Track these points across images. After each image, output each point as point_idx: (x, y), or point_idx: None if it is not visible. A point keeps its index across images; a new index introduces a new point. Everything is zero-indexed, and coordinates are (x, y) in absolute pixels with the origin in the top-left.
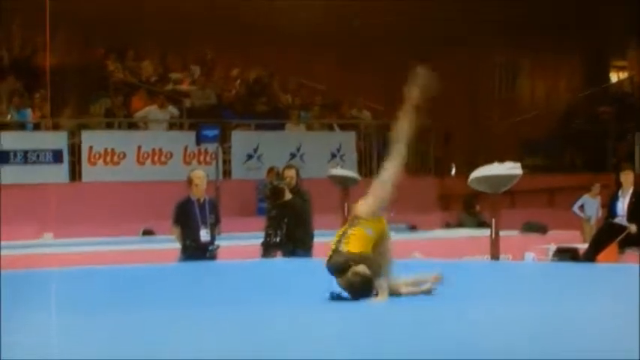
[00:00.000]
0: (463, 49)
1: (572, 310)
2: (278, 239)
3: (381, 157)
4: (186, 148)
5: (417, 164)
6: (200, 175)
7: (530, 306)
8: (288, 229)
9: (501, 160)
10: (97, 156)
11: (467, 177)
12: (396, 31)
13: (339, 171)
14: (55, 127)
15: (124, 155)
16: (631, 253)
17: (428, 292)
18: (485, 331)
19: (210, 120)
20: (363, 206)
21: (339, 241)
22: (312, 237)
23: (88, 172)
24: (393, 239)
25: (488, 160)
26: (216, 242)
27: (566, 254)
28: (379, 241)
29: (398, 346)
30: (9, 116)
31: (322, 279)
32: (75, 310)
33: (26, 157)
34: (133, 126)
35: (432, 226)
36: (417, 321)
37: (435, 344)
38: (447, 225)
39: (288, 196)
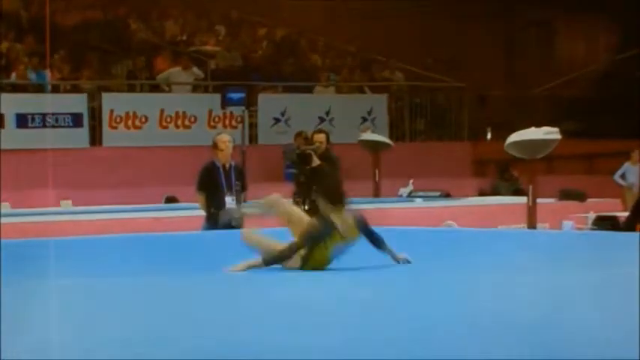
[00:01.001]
0: (498, 5)
1: (614, 278)
2: (306, 206)
3: (414, 120)
4: (210, 112)
5: (450, 128)
6: (225, 139)
7: (569, 275)
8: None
9: (538, 124)
10: (118, 119)
11: (502, 142)
12: None
13: (370, 135)
14: (75, 89)
15: (146, 119)
16: None
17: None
18: (522, 303)
19: (235, 82)
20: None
21: None
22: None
23: (109, 137)
24: (426, 206)
25: (525, 125)
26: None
27: (606, 223)
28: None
29: (440, 314)
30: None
31: (352, 247)
32: (95, 278)
33: (45, 121)
34: (155, 88)
35: (465, 194)
36: (454, 291)
37: (473, 316)
38: (482, 192)
39: (316, 161)
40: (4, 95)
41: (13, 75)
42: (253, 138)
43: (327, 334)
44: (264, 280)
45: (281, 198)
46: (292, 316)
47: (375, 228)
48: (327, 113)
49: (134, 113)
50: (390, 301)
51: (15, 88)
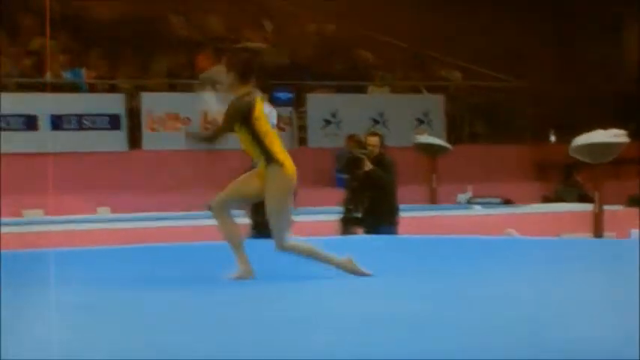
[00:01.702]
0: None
1: None
2: (359, 214)
3: (473, 122)
4: None
5: (511, 130)
6: None
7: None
8: (370, 202)
9: (604, 126)
10: (158, 121)
11: (567, 144)
12: None
13: (426, 138)
14: (112, 88)
15: (189, 120)
16: None
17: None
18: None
19: (283, 81)
20: None
21: None
22: (396, 211)
23: (149, 139)
24: (485, 214)
25: (590, 126)
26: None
27: None
28: None
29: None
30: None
31: (408, 257)
32: (131, 289)
33: (80, 123)
34: (198, 87)
35: (527, 200)
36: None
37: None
38: (545, 198)
39: (368, 166)
40: (38, 95)
41: (47, 74)
42: (302, 141)
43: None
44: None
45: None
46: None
47: (431, 236)
48: (381, 115)
49: (175, 114)
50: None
51: (50, 88)
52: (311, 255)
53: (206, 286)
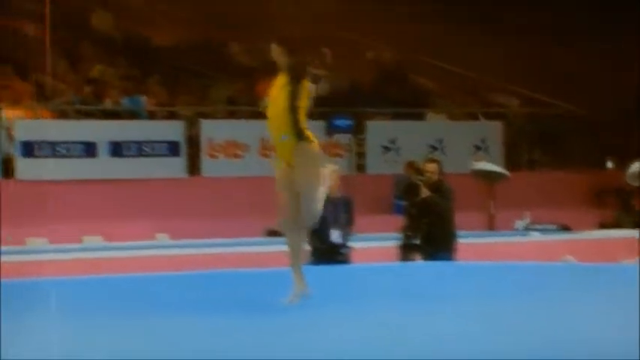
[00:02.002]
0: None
1: None
2: (417, 241)
3: (530, 148)
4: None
5: (569, 157)
6: (332, 169)
7: None
8: (428, 229)
9: None
10: (218, 148)
11: (623, 170)
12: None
13: (484, 165)
14: (172, 115)
15: (248, 147)
16: None
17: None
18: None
19: (342, 108)
20: None
21: None
22: (454, 238)
23: (208, 166)
24: (543, 240)
25: None
26: (349, 244)
27: None
28: None
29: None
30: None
31: (466, 284)
32: (189, 316)
33: (140, 150)
34: (257, 115)
35: (585, 227)
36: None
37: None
38: (602, 225)
39: (426, 192)
40: (97, 122)
41: (107, 101)
42: (361, 167)
43: None
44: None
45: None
46: None
47: (489, 263)
48: (439, 141)
49: (234, 141)
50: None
51: (110, 115)
52: (292, 256)
53: (264, 312)
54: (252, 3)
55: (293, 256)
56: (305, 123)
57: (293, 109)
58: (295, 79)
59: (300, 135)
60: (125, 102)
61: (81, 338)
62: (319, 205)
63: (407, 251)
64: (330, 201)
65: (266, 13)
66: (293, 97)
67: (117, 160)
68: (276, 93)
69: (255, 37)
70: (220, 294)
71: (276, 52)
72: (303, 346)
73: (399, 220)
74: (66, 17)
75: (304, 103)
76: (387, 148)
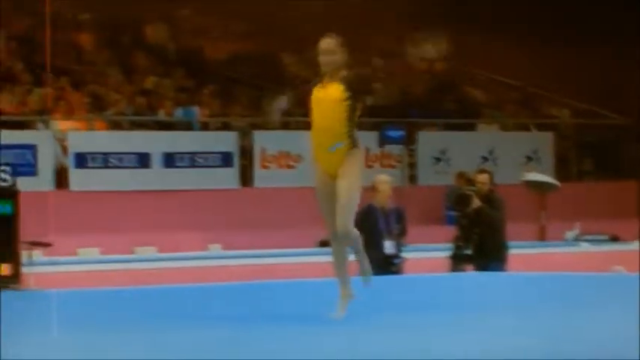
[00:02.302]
0: None
1: None
2: (468, 251)
3: (581, 159)
4: (367, 151)
5: (619, 167)
6: (384, 180)
7: None
8: (480, 239)
9: None
10: (271, 159)
11: None
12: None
13: (535, 176)
14: (225, 126)
15: (301, 158)
16: None
17: None
18: None
19: (394, 119)
20: None
21: None
22: (506, 248)
23: (261, 177)
24: (593, 251)
25: None
26: (402, 254)
27: None
28: None
29: None
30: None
31: (518, 295)
32: (240, 326)
33: (193, 160)
34: (309, 125)
35: (635, 237)
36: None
37: None
38: None
39: (477, 203)
40: (150, 133)
41: (161, 112)
42: (412, 178)
43: None
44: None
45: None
46: None
47: (540, 273)
48: (491, 152)
49: (287, 152)
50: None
51: (163, 126)
52: (336, 267)
53: (314, 322)
54: (304, 14)
55: (337, 267)
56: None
57: (353, 121)
58: (355, 94)
59: (354, 143)
60: (179, 113)
61: (133, 349)
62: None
63: (458, 262)
64: (382, 212)
65: (318, 25)
66: (353, 110)
67: (170, 171)
68: (331, 104)
69: (307, 48)
70: (272, 305)
71: (332, 46)
72: (351, 354)
73: (451, 231)
74: (121, 29)
75: (357, 114)
76: (438, 159)
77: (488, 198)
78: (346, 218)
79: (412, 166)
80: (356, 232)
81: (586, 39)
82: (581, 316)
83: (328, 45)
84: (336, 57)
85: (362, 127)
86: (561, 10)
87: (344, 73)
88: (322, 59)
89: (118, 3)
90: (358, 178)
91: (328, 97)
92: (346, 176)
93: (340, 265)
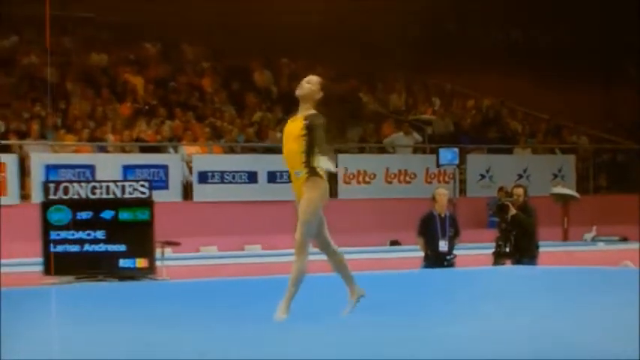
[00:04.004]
0: None
1: None
2: (507, 249)
3: (597, 176)
4: (427, 170)
5: (629, 183)
6: (442, 192)
7: None
8: (516, 240)
9: None
10: (351, 176)
11: None
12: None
13: (560, 189)
14: None
15: (375, 175)
16: None
17: None
18: None
19: (448, 145)
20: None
21: None
22: (537, 247)
23: (343, 190)
24: (607, 249)
25: None
26: (454, 252)
27: None
28: None
29: None
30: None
31: (545, 286)
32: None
33: (290, 178)
34: (382, 150)
35: None
36: None
37: None
38: None
39: (513, 211)
40: (258, 156)
41: (266, 140)
42: (462, 191)
43: None
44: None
45: None
46: None
47: (563, 267)
48: (525, 171)
49: (364, 171)
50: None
51: (267, 150)
52: (295, 278)
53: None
54: (380, 62)
55: (336, 271)
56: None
57: (310, 153)
58: (312, 131)
59: (313, 172)
60: (280, 140)
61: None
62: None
63: (499, 258)
64: (440, 218)
65: (392, 70)
66: (310, 144)
67: (273, 186)
68: (292, 137)
69: (380, 90)
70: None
71: (312, 79)
72: (408, 341)
73: (493, 233)
74: (234, 74)
75: (320, 146)
76: (482, 176)
77: (523, 207)
78: (300, 232)
79: (462, 181)
80: (303, 264)
81: (601, 79)
82: (596, 300)
83: (309, 77)
84: (309, 86)
85: (424, 151)
86: (581, 58)
87: (310, 110)
88: (299, 84)
89: (232, 55)
90: (312, 201)
91: (291, 131)
92: (304, 199)
93: (337, 269)
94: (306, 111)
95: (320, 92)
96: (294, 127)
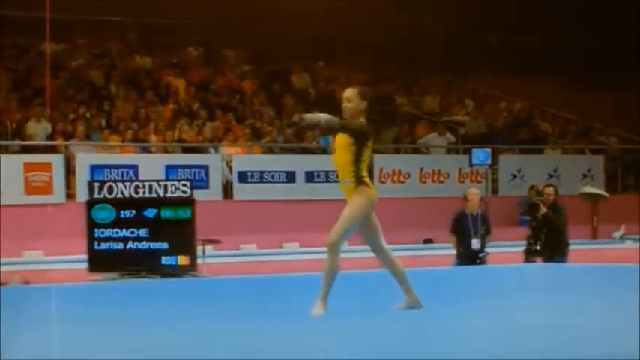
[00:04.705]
0: None
1: None
2: (538, 247)
3: (625, 176)
4: (460, 170)
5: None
6: (474, 192)
7: None
8: (546, 238)
9: None
10: (387, 176)
11: None
12: None
13: (589, 189)
14: None
15: (409, 175)
16: None
17: None
18: None
19: (481, 145)
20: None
21: None
22: (567, 245)
23: (379, 190)
24: (634, 247)
25: None
26: (486, 249)
27: None
28: None
29: None
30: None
31: (577, 280)
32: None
33: (327, 177)
34: (416, 151)
35: None
36: None
37: None
38: None
39: (543, 210)
40: (295, 156)
41: (304, 141)
42: (494, 191)
43: None
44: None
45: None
46: None
47: (593, 265)
48: (555, 171)
49: (399, 171)
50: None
51: (305, 151)
52: (327, 275)
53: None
54: (414, 64)
55: (389, 271)
56: (365, 172)
57: (358, 164)
58: (360, 142)
59: (360, 181)
60: (319, 141)
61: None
62: (347, 232)
63: (530, 255)
64: (472, 216)
65: (425, 72)
66: (358, 155)
67: (310, 185)
68: (340, 149)
69: (414, 92)
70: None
71: (349, 94)
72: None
73: (524, 232)
74: (273, 77)
75: (366, 157)
76: (514, 176)
77: (553, 206)
78: (336, 232)
79: (494, 181)
80: (335, 262)
81: (630, 82)
82: (625, 297)
83: (347, 94)
84: (352, 105)
85: (457, 152)
86: (608, 60)
87: (359, 120)
88: (342, 106)
89: (271, 58)
90: (357, 205)
91: (340, 143)
92: (350, 203)
93: (393, 275)
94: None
95: (363, 102)
96: (341, 139)
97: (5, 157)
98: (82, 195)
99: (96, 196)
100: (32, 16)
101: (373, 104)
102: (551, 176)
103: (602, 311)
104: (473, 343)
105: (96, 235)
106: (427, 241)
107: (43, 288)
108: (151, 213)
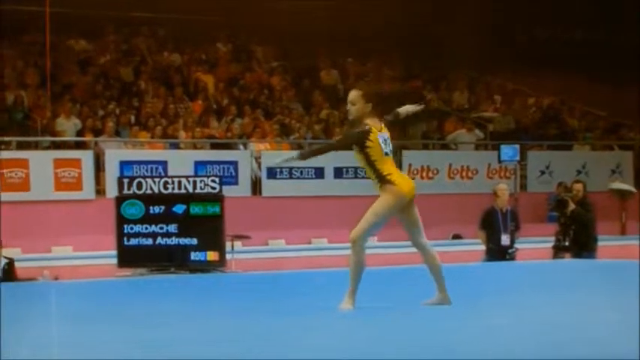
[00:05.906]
0: None
1: None
2: (566, 243)
3: None
4: (489, 166)
5: None
6: (503, 188)
7: None
8: (575, 234)
9: None
10: (415, 172)
11: None
12: None
13: (618, 185)
14: None
15: (438, 171)
16: None
17: None
18: None
19: (509, 141)
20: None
21: None
22: (595, 241)
23: None
24: None
25: None
26: (515, 245)
27: None
28: None
29: None
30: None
31: (605, 277)
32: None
33: (356, 173)
34: (445, 147)
35: None
36: None
37: None
38: None
39: (571, 206)
40: (334, 154)
41: (334, 137)
42: (523, 186)
43: None
44: None
45: None
46: None
47: (621, 261)
48: (584, 167)
49: (428, 167)
50: None
51: None
52: (353, 271)
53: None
54: (440, 61)
55: (427, 267)
56: (386, 167)
57: (368, 161)
58: (358, 148)
59: (381, 179)
60: None
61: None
62: (372, 229)
63: (559, 251)
64: (501, 212)
65: (454, 68)
66: (369, 156)
67: (339, 181)
68: (355, 153)
69: (443, 88)
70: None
71: (352, 97)
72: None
73: (553, 228)
74: (302, 73)
75: (377, 152)
76: (542, 172)
77: (582, 202)
78: (360, 228)
79: (523, 177)
80: (361, 258)
81: None
82: None
83: (351, 97)
84: (355, 107)
85: (486, 147)
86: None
87: (363, 123)
88: (347, 109)
89: (300, 54)
90: (382, 202)
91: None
92: (377, 201)
93: (430, 270)
94: (359, 123)
95: (367, 104)
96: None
97: (35, 154)
98: (111, 191)
99: (125, 192)
100: (60, 12)
101: (401, 101)
102: (579, 172)
103: (631, 309)
104: (499, 339)
105: (125, 231)
106: (456, 237)
107: (73, 284)
108: (180, 209)
